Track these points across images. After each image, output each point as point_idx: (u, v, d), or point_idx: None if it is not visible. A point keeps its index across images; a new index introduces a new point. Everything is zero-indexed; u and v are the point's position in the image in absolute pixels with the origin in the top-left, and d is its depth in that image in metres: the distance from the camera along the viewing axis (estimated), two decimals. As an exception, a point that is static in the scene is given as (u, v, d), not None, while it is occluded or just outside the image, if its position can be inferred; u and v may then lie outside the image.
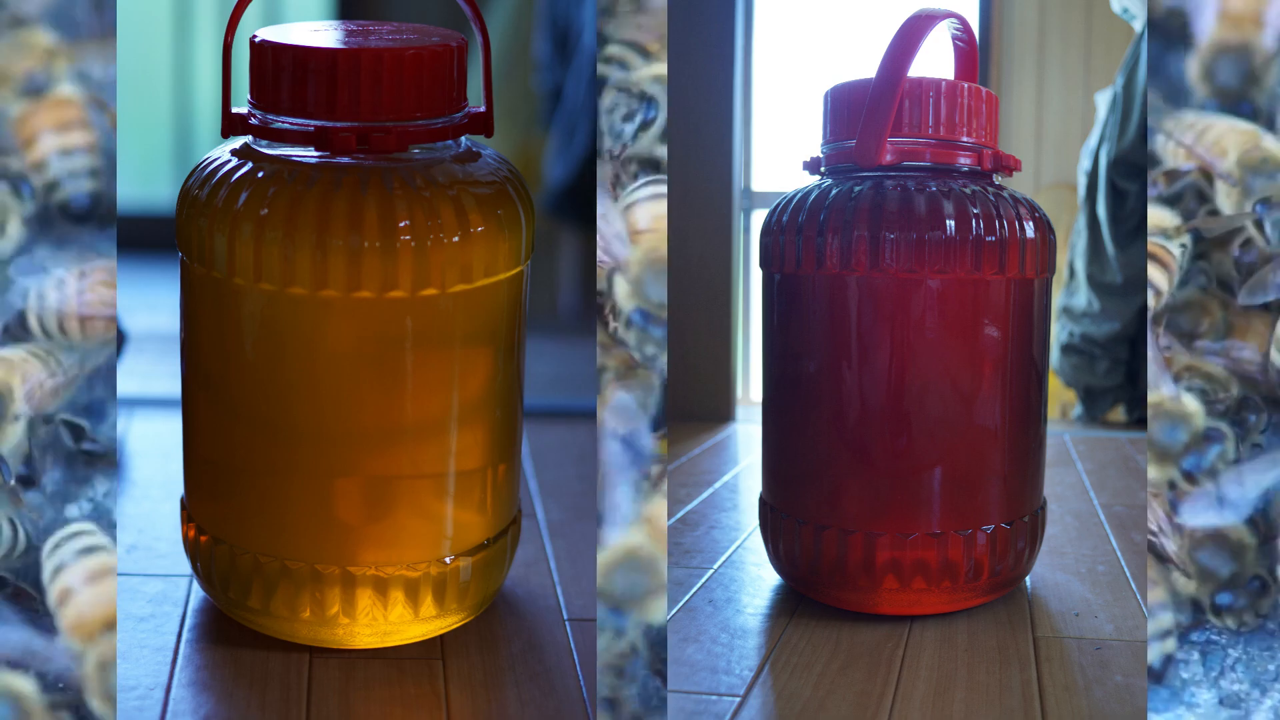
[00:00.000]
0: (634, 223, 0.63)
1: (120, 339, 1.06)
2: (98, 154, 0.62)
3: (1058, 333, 1.62)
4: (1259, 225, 0.61)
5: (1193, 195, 0.63)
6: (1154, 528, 0.62)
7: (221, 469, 0.69)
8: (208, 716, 0.63)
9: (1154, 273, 0.63)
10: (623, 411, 0.62)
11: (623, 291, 0.62)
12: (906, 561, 0.74)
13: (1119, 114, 1.52)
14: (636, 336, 0.62)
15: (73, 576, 0.59)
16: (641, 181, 0.63)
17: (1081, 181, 1.59)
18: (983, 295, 0.74)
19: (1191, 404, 0.62)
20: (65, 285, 0.61)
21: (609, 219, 0.62)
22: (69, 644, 0.59)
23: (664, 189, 0.63)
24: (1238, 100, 0.62)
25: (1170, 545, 0.61)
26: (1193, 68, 0.62)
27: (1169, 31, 0.63)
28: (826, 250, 0.74)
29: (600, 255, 0.63)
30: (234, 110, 0.68)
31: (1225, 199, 0.62)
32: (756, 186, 1.98)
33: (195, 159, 0.78)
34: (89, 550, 0.60)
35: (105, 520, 0.61)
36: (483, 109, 0.70)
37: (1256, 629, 0.61)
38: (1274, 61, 0.61)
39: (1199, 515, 0.61)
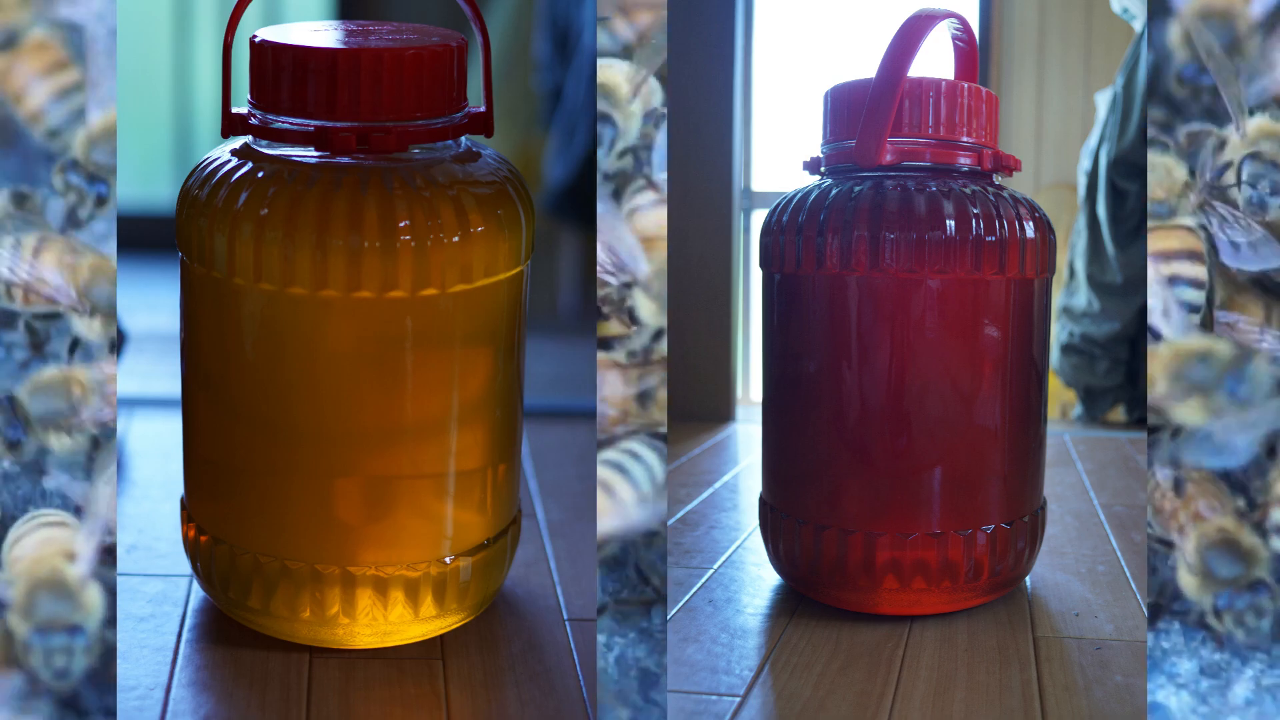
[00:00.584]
0: (643, 230, 0.62)
1: (120, 339, 1.06)
2: (90, 89, 0.61)
3: (1058, 333, 1.62)
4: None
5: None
6: (1157, 516, 0.61)
7: (221, 469, 0.69)
8: (208, 716, 0.63)
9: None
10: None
11: (648, 310, 0.62)
12: (906, 561, 0.74)
13: (1119, 114, 1.52)
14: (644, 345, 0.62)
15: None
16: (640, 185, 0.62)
17: (1081, 181, 1.59)
18: (983, 295, 0.74)
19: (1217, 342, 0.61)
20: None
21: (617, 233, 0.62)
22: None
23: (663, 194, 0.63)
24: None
25: (1175, 537, 0.61)
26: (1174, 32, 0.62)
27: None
28: (826, 250, 0.74)
29: (606, 271, 0.63)
30: (234, 110, 0.68)
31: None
32: (756, 186, 1.98)
33: (195, 159, 0.78)
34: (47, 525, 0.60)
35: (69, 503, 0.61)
36: (483, 109, 0.70)
37: (1258, 635, 0.60)
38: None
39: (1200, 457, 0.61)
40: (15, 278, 0.60)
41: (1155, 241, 0.62)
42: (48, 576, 0.59)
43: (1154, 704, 0.60)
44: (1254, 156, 0.61)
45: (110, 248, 0.61)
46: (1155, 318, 0.61)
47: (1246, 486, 0.61)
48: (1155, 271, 0.62)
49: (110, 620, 0.59)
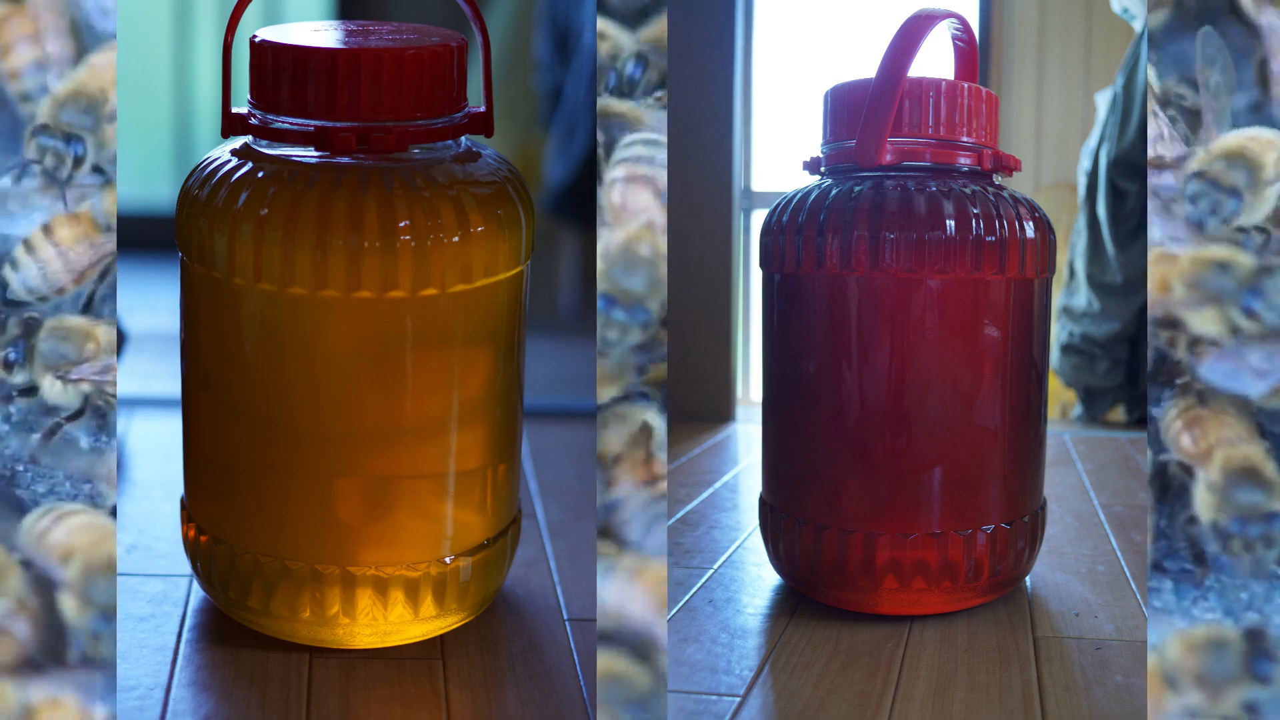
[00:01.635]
0: (615, 200, 0.62)
1: (120, 339, 1.06)
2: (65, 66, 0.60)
3: (1058, 333, 1.62)
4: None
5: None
6: (1177, 445, 0.61)
7: (221, 469, 0.69)
8: (208, 716, 0.63)
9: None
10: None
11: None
12: (906, 561, 0.74)
13: (1119, 114, 1.52)
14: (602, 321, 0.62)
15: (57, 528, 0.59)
16: (629, 141, 0.62)
17: (1081, 181, 1.59)
18: (983, 295, 0.74)
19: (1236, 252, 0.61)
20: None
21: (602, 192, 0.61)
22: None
23: (653, 171, 0.62)
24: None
25: (1196, 466, 0.60)
26: None
27: None
28: (826, 250, 0.74)
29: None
30: (234, 110, 0.68)
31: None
32: (756, 186, 1.99)
33: (195, 159, 0.78)
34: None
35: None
36: (483, 109, 0.70)
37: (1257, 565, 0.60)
38: None
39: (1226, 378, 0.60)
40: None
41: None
42: (102, 561, 0.59)
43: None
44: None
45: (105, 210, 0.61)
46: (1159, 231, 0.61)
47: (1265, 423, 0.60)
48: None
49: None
